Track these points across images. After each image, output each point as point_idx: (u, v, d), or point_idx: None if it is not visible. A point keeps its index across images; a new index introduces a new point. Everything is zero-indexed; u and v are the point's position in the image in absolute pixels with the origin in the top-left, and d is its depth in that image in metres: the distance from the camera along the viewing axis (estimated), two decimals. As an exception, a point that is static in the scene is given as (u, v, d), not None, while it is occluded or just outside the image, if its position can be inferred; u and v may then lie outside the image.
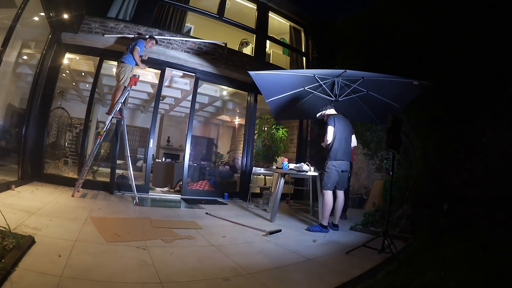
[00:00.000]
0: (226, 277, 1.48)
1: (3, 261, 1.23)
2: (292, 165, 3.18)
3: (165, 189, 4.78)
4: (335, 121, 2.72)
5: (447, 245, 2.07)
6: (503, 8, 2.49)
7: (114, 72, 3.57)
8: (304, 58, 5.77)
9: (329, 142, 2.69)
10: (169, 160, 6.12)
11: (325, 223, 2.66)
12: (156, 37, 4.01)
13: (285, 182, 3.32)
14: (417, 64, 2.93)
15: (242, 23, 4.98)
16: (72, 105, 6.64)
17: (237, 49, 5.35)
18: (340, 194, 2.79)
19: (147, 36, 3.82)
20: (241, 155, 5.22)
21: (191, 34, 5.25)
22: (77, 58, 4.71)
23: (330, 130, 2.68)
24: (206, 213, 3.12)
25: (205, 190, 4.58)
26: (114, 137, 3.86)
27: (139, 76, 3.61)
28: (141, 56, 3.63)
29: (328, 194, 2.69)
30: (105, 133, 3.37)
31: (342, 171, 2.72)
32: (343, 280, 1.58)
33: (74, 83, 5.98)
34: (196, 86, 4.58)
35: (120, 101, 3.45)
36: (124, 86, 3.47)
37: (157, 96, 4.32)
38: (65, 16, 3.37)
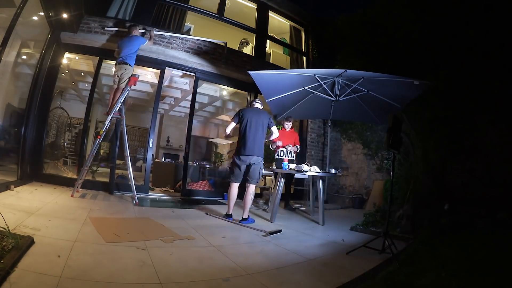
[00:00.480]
0: (226, 278, 1.48)
1: (2, 261, 1.22)
2: (292, 166, 3.17)
3: (165, 189, 4.77)
4: (243, 115, 2.80)
5: (448, 246, 2.07)
6: (504, 8, 2.48)
7: (114, 72, 3.52)
8: (304, 58, 5.76)
9: (226, 134, 2.89)
10: (169, 160, 6.11)
11: (229, 212, 2.85)
12: (156, 32, 3.98)
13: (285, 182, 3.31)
14: (417, 64, 2.92)
15: (242, 23, 4.97)
16: (72, 105, 6.62)
17: (237, 49, 5.33)
18: (251, 188, 2.84)
19: (128, 26, 3.72)
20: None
21: (191, 33, 5.23)
22: (76, 57, 4.69)
23: (231, 125, 2.85)
24: (206, 213, 3.11)
25: (205, 190, 4.56)
26: (113, 137, 3.85)
27: (138, 75, 3.59)
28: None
29: (232, 187, 2.84)
30: (104, 133, 3.35)
31: (248, 164, 2.77)
32: (343, 281, 1.57)
33: (73, 83, 5.96)
34: (196, 86, 4.57)
35: (119, 101, 3.44)
36: (124, 87, 3.45)
37: (157, 96, 4.31)
38: (65, 15, 3.36)
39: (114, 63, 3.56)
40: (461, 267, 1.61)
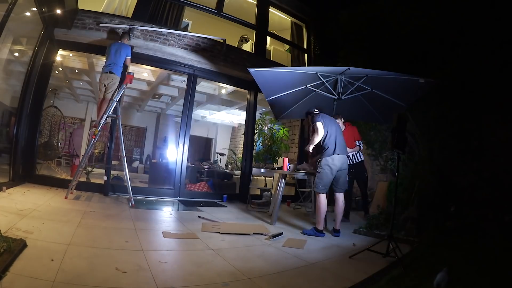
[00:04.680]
0: (225, 282, 1.44)
1: (-6, 265, 1.18)
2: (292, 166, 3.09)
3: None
4: (321, 117, 2.61)
5: (454, 249, 2.02)
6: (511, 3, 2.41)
7: (100, 81, 3.33)
8: (306, 55, 5.67)
9: (320, 138, 2.50)
10: (166, 160, 6.02)
11: (320, 227, 2.53)
12: (152, 28, 3.86)
13: (286, 184, 3.23)
14: (423, 61, 2.84)
15: (242, 19, 4.86)
16: (65, 104, 6.50)
17: (236, 46, 5.23)
18: (339, 196, 2.59)
19: (122, 33, 3.52)
20: (240, 155, 5.13)
21: (189, 30, 5.13)
22: (70, 55, 4.59)
23: (319, 125, 2.51)
24: (203, 217, 3.04)
25: (203, 192, 4.49)
26: (109, 137, 3.76)
27: (133, 73, 3.50)
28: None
29: (321, 197, 2.51)
30: (99, 132, 3.26)
31: (338, 170, 2.50)
32: (346, 285, 1.54)
33: (67, 81, 5.85)
34: (194, 84, 4.48)
35: (115, 99, 3.35)
36: (110, 97, 3.26)
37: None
38: (58, 11, 3.26)
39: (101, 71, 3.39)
40: (468, 271, 1.57)
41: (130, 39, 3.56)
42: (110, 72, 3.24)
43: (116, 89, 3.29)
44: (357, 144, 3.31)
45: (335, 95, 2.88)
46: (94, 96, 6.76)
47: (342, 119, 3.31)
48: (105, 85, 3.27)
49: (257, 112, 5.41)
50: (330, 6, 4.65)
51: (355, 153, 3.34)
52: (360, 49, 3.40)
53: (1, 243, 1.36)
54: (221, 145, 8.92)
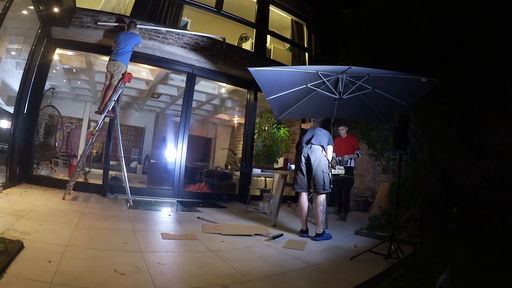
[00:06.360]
0: (225, 284, 1.43)
1: (-9, 267, 1.16)
2: (294, 166, 3.07)
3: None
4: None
5: (457, 251, 2.00)
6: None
7: (106, 68, 3.42)
8: (306, 54, 5.63)
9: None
10: (165, 160, 5.98)
11: (303, 227, 2.60)
12: (152, 27, 3.84)
13: (287, 184, 3.21)
14: (425, 60, 2.81)
15: (242, 17, 4.83)
16: (63, 103, 6.46)
17: (236, 44, 5.19)
18: (320, 197, 2.45)
19: (128, 22, 3.62)
20: (240, 155, 5.10)
21: (188, 28, 5.09)
22: (68, 53, 4.55)
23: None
24: (203, 218, 3.01)
25: (203, 193, 4.46)
26: (107, 137, 3.73)
27: (132, 73, 3.47)
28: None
29: (300, 197, 2.61)
30: (97, 132, 3.24)
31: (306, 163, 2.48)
32: (347, 287, 1.52)
33: (65, 80, 5.80)
34: (193, 83, 4.45)
35: (113, 99, 3.32)
36: (116, 85, 3.34)
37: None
38: (56, 9, 3.24)
39: (108, 58, 3.43)
40: (471, 273, 1.56)
41: (136, 26, 3.61)
42: (116, 60, 3.31)
43: (121, 77, 3.34)
44: (356, 152, 3.64)
45: (336, 95, 2.84)
46: (92, 95, 6.71)
47: (347, 128, 3.62)
48: (110, 72, 3.34)
49: (257, 112, 5.38)
50: (331, 4, 4.60)
51: (351, 159, 3.65)
52: (361, 48, 3.36)
53: (-2, 244, 1.36)
54: (221, 145, 8.89)
